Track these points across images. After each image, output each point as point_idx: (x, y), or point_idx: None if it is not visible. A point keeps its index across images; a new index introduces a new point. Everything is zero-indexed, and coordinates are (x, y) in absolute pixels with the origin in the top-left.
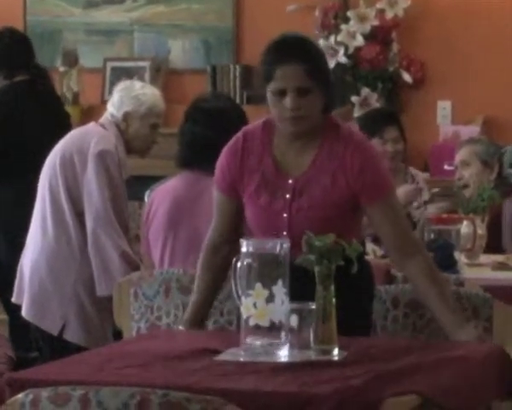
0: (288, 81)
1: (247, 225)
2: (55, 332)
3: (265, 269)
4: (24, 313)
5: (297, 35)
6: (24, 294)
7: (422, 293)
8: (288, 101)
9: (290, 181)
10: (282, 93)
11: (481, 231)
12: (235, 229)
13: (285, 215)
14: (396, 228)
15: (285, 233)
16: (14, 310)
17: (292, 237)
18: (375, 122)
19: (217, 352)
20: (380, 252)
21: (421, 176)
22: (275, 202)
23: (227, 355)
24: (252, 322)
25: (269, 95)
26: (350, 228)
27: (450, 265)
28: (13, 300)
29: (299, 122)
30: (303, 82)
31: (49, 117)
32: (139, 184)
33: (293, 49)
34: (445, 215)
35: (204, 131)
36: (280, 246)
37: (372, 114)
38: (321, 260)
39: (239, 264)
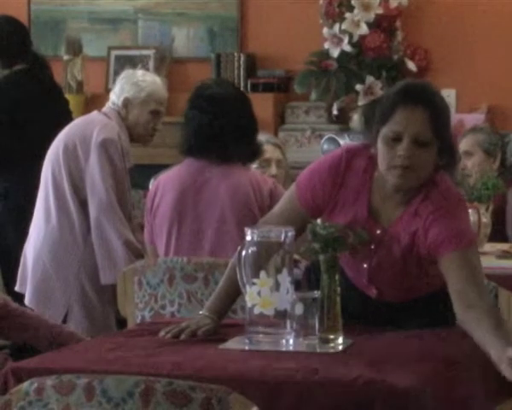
0: (408, 125)
1: None
2: (58, 320)
3: (270, 258)
4: (27, 301)
5: (422, 81)
6: (27, 282)
7: (478, 337)
8: (401, 148)
9: (378, 232)
10: (397, 139)
11: (486, 219)
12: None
13: (365, 266)
14: (468, 286)
15: (364, 281)
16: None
17: (371, 282)
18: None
19: (222, 340)
20: None
21: None
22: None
23: (232, 344)
24: (256, 311)
25: (381, 138)
26: (429, 278)
27: None
28: (16, 288)
29: (408, 175)
30: (424, 129)
31: (50, 105)
32: (143, 173)
33: (421, 94)
34: None
35: (206, 117)
36: (285, 234)
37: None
38: (326, 248)
39: (244, 252)
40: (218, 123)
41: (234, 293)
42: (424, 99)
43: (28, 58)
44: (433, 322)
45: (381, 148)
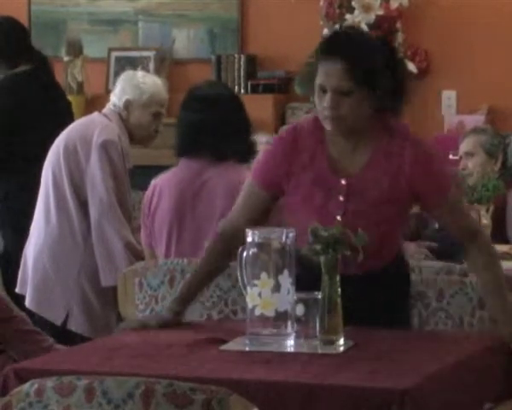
0: (327, 79)
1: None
2: (58, 322)
3: (271, 259)
4: (27, 302)
5: (350, 29)
6: (27, 284)
7: (481, 284)
8: (326, 99)
9: (343, 182)
10: (323, 90)
11: (486, 220)
12: (257, 224)
13: (339, 218)
14: (460, 224)
15: None
16: (19, 302)
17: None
18: None
19: (223, 341)
20: None
21: None
22: (328, 202)
23: (233, 345)
24: (257, 312)
25: (315, 90)
26: (400, 227)
27: (454, 254)
28: (16, 290)
29: (337, 122)
30: (342, 83)
31: (51, 108)
32: (143, 174)
33: (338, 44)
34: None
35: (198, 117)
36: (286, 235)
37: None
38: (326, 249)
39: (244, 253)
40: (208, 121)
41: (204, 284)
42: (342, 51)
43: (32, 59)
44: (388, 297)
45: (315, 98)
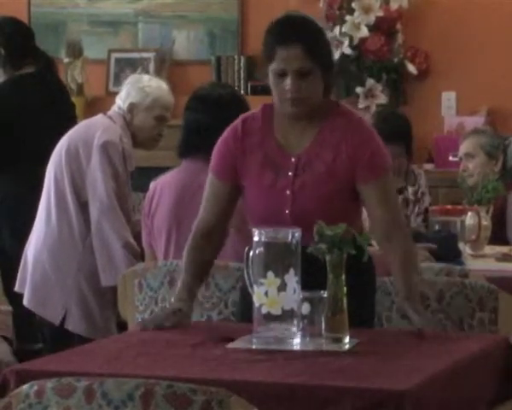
0: (288, 63)
1: (247, 211)
2: (56, 322)
3: (277, 258)
4: (26, 301)
5: (298, 15)
6: (26, 283)
7: (393, 279)
8: (288, 83)
9: (293, 159)
10: (282, 74)
11: (486, 222)
12: (227, 214)
13: (288, 193)
14: (385, 213)
15: (287, 211)
16: (18, 301)
17: (293, 216)
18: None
19: (230, 340)
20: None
21: (424, 178)
22: (278, 180)
23: (239, 343)
24: (264, 310)
25: (270, 75)
26: (351, 212)
27: (454, 256)
28: (15, 289)
29: (300, 104)
30: (303, 64)
31: (56, 108)
32: (145, 176)
33: (294, 30)
34: (449, 206)
35: (200, 118)
36: (292, 235)
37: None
38: (332, 248)
39: (251, 253)
40: (209, 122)
41: (200, 280)
42: (299, 35)
43: (37, 60)
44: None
45: (272, 82)
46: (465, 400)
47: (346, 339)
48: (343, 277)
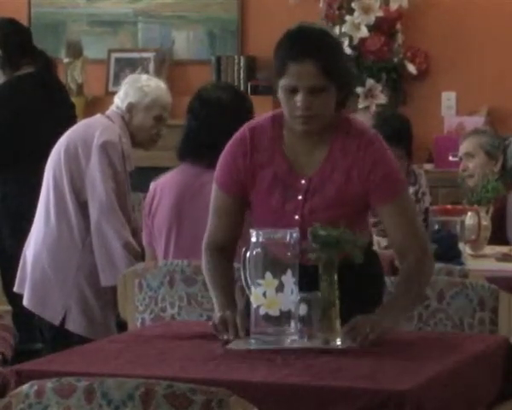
0: (299, 79)
1: (253, 223)
2: (56, 322)
3: (275, 259)
4: (25, 302)
5: (313, 27)
6: (26, 283)
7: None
8: (299, 99)
9: (303, 181)
10: (293, 90)
11: (486, 222)
12: (238, 227)
13: (297, 217)
14: (403, 239)
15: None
16: (17, 301)
17: (303, 238)
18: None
19: (228, 341)
20: (384, 243)
21: (425, 178)
22: (287, 202)
23: (238, 344)
24: (262, 311)
25: (280, 90)
26: (360, 225)
27: (454, 256)
28: (14, 289)
29: (311, 121)
30: (316, 81)
31: (55, 108)
32: (144, 176)
33: (307, 45)
34: (449, 206)
35: (200, 124)
36: (289, 235)
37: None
38: (325, 249)
39: (248, 254)
40: (207, 128)
41: (230, 282)
42: (312, 51)
43: (36, 60)
44: (357, 276)
45: (282, 98)
46: (465, 400)
47: (338, 340)
48: (335, 277)
